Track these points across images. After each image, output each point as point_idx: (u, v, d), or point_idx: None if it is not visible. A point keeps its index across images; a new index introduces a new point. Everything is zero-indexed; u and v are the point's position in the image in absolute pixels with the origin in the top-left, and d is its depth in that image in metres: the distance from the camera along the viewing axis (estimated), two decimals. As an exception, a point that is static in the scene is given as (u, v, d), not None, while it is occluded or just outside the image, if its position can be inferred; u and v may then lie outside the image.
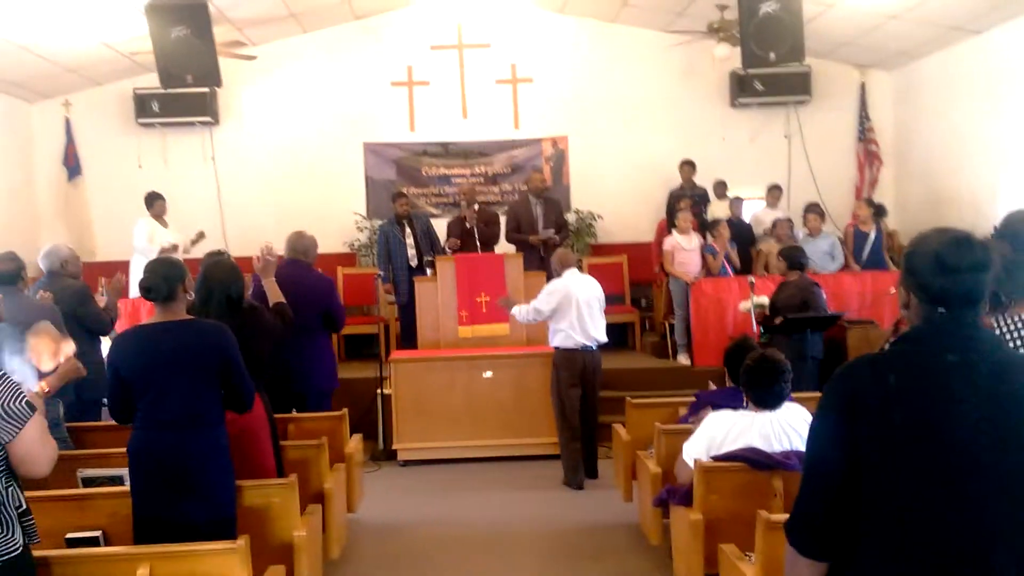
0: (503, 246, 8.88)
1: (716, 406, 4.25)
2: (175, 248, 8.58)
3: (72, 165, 10.27)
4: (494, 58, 10.68)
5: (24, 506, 2.66)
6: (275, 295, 4.87)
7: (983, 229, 8.51)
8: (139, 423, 3.57)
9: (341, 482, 4.72)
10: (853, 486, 1.86)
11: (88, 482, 4.13)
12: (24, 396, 2.59)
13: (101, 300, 5.88)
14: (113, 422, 5.42)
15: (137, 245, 8.72)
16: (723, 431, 3.80)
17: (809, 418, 4.01)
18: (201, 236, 9.12)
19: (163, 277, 3.58)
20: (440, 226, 9.13)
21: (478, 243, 8.46)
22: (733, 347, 4.43)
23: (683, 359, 8.69)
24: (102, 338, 5.88)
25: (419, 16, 10.65)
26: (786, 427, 3.83)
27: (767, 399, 3.86)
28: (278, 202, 10.38)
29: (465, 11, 10.63)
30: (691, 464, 3.81)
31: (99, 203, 10.37)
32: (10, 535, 2.57)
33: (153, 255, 8.49)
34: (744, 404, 3.98)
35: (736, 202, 9.93)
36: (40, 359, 3.33)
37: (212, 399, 3.60)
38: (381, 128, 10.71)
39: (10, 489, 2.61)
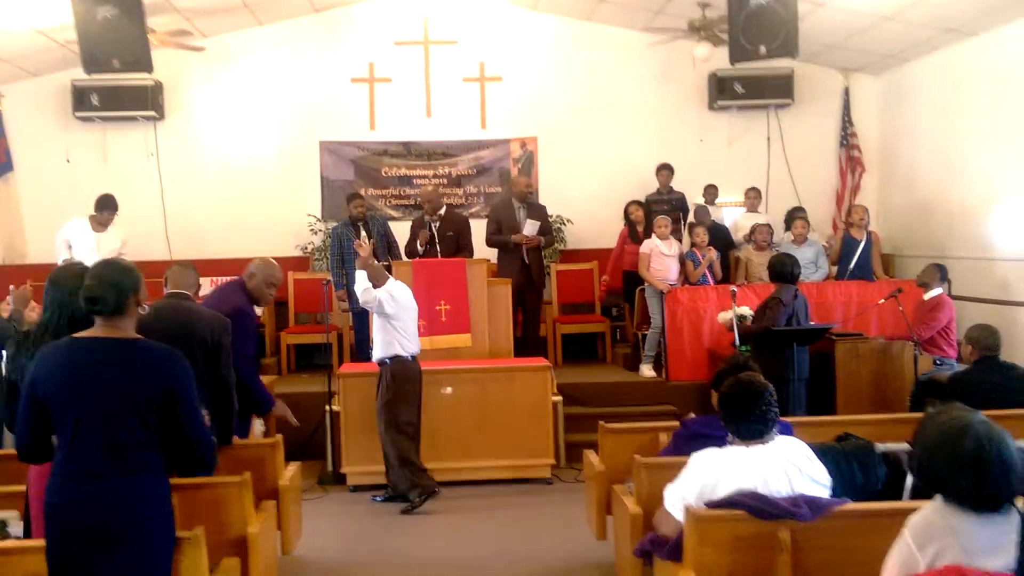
0: (481, 252, 8.29)
1: (703, 437, 3.67)
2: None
3: (3, 161, 9.48)
4: (461, 55, 10.10)
5: None
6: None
7: (972, 240, 8.00)
8: (57, 468, 2.90)
9: (269, 525, 4.04)
10: None
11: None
12: None
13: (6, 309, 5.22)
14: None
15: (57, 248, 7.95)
16: (714, 474, 3.19)
17: (810, 453, 3.49)
18: None
19: (112, 285, 2.89)
20: (400, 229, 8.54)
21: (438, 252, 7.84)
22: (726, 367, 3.84)
23: (647, 371, 8.20)
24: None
25: (383, 10, 10.04)
26: (785, 464, 3.25)
27: (750, 430, 3.28)
28: (226, 203, 9.68)
29: (432, 6, 10.05)
30: (676, 515, 3.22)
31: (32, 202, 9.57)
32: None
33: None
34: (729, 438, 3.40)
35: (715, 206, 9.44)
36: None
37: (151, 440, 2.92)
38: (339, 126, 10.06)
39: None
